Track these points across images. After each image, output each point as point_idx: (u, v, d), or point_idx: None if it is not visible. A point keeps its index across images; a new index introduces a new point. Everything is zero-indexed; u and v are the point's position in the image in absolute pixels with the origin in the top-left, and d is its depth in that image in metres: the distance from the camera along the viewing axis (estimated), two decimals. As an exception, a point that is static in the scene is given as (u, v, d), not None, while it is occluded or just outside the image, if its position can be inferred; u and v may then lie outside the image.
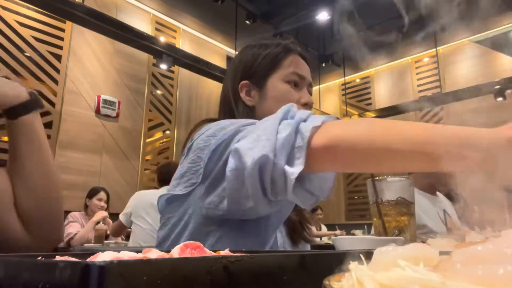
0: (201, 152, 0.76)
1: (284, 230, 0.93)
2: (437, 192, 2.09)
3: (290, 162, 0.62)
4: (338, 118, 0.68)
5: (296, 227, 0.95)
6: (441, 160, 0.52)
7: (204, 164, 0.74)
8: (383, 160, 0.59)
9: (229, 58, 6.34)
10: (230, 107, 0.96)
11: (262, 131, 0.64)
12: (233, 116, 0.93)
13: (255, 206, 0.67)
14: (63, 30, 4.58)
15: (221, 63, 6.11)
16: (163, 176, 3.05)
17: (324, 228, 5.88)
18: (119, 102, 4.93)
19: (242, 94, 0.95)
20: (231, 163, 0.66)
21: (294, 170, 0.61)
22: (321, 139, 0.61)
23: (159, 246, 0.83)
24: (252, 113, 0.93)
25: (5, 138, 4.22)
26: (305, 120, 0.65)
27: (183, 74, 5.66)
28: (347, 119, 0.77)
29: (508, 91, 5.35)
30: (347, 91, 7.67)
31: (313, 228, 5.65)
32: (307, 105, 0.94)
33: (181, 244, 0.40)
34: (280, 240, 0.88)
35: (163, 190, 2.97)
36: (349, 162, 0.63)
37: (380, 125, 0.61)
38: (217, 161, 0.72)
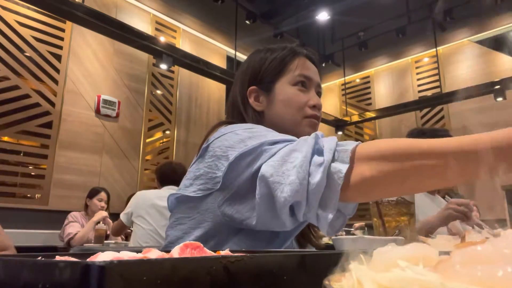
0: (218, 161, 0.76)
1: None
2: (436, 194, 2.09)
3: (323, 206, 0.64)
4: (357, 140, 0.69)
5: (305, 231, 0.95)
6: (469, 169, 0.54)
7: (223, 174, 0.74)
8: (417, 185, 0.61)
9: (229, 58, 6.34)
10: (239, 112, 0.97)
11: (291, 166, 0.65)
12: (243, 120, 0.94)
13: (284, 227, 0.70)
14: (63, 30, 4.57)
15: (221, 63, 6.11)
16: (165, 177, 3.04)
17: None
18: (119, 102, 4.93)
19: (251, 100, 0.96)
20: (261, 190, 0.67)
21: (327, 215, 0.63)
22: (354, 186, 0.62)
23: (169, 245, 0.84)
24: (261, 118, 0.95)
25: (5, 138, 4.21)
26: (334, 158, 0.65)
27: (183, 74, 5.66)
28: (374, 146, 0.71)
29: None
30: (347, 91, 7.67)
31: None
32: (316, 107, 0.94)
33: (181, 244, 0.40)
34: (288, 243, 0.88)
35: (166, 190, 2.97)
36: (381, 196, 0.65)
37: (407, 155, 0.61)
38: (237, 176, 0.73)
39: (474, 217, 1.57)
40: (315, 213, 0.64)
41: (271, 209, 0.67)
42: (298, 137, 0.91)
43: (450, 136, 2.02)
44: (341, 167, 0.62)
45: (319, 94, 1.00)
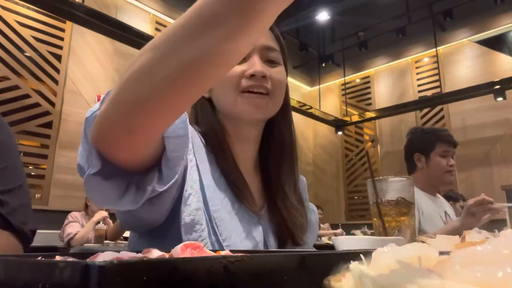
0: None
1: (272, 233, 0.84)
2: (437, 194, 2.08)
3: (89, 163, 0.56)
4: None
5: (282, 230, 0.83)
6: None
7: None
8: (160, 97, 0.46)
9: (229, 58, 6.34)
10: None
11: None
12: (195, 110, 0.87)
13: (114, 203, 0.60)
14: (63, 30, 4.58)
15: (221, 63, 6.11)
16: None
17: (325, 227, 5.87)
18: (119, 102, 4.93)
19: None
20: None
21: (88, 173, 0.55)
22: (94, 126, 0.55)
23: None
24: (211, 106, 0.84)
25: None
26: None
27: (183, 74, 5.66)
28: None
29: None
30: (347, 91, 7.67)
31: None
32: (254, 77, 0.76)
33: (181, 244, 0.40)
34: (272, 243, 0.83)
35: None
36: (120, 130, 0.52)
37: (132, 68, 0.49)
38: None
39: (497, 205, 1.58)
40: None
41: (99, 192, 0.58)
42: (241, 120, 0.79)
43: (451, 136, 2.01)
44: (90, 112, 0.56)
45: (272, 61, 0.80)
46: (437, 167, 1.95)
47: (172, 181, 0.61)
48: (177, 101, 0.48)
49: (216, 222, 0.73)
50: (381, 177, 0.85)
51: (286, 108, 0.87)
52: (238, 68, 0.77)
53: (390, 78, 7.22)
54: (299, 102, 6.63)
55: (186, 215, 0.69)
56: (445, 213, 2.01)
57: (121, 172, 0.58)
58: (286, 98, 0.87)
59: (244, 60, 0.78)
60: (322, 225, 5.80)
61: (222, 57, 0.43)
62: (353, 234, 4.55)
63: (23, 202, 0.74)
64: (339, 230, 5.61)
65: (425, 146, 1.99)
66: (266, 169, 0.89)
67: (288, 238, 0.84)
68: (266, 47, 0.80)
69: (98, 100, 0.60)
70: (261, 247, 0.79)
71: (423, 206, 1.89)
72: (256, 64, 0.77)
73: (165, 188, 0.61)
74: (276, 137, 0.88)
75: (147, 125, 0.52)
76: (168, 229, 0.71)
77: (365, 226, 5.21)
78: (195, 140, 0.77)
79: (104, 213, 3.50)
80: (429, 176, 1.99)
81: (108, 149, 0.56)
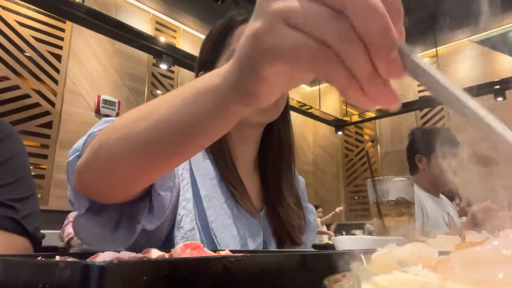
0: None
1: (271, 236, 0.84)
2: (440, 194, 2.04)
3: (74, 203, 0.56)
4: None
5: (280, 232, 0.83)
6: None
7: None
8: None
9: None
10: None
11: None
12: None
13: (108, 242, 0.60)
14: (63, 30, 4.57)
15: (221, 63, 6.11)
16: None
17: (324, 228, 5.87)
18: (119, 102, 4.93)
19: None
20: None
21: (77, 214, 0.56)
22: (76, 173, 0.54)
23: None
24: None
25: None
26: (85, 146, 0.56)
27: (183, 74, 5.66)
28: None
29: None
30: (347, 91, 7.66)
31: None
32: None
33: (181, 244, 0.40)
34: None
35: None
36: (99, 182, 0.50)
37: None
38: None
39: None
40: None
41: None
42: (244, 121, 0.78)
43: (453, 136, 1.97)
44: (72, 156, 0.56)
45: None
46: (438, 168, 1.91)
47: (163, 218, 0.62)
48: (168, 163, 0.47)
49: (215, 233, 0.73)
50: (381, 177, 0.85)
51: (285, 111, 0.88)
52: None
53: (390, 78, 7.21)
54: (299, 102, 6.62)
55: (179, 239, 0.70)
56: (448, 214, 1.99)
57: (111, 205, 0.57)
58: (286, 101, 0.88)
59: None
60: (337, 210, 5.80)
61: (214, 127, 0.41)
62: (353, 234, 4.55)
63: (35, 209, 0.79)
64: (332, 228, 5.64)
65: (426, 147, 1.95)
66: (265, 171, 0.89)
67: (286, 240, 0.84)
68: None
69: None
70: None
71: (427, 208, 1.87)
72: None
73: (156, 225, 0.62)
74: (275, 138, 0.89)
75: (132, 184, 0.50)
76: (164, 247, 0.71)
77: (367, 225, 5.20)
78: None
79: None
80: (431, 177, 1.95)
81: (93, 196, 0.55)
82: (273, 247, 0.83)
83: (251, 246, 0.77)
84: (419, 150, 1.98)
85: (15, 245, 0.75)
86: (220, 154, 0.81)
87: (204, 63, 0.85)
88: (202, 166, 0.79)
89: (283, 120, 0.89)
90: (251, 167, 0.89)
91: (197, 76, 0.86)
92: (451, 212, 2.04)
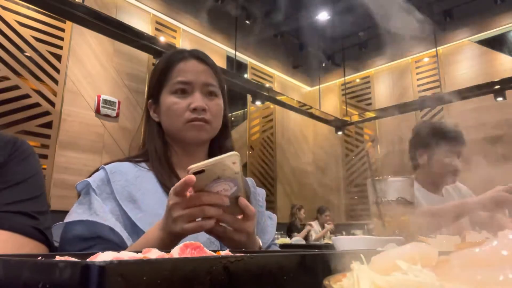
0: None
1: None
2: (446, 187, 1.95)
3: None
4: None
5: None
6: None
7: None
8: None
9: (229, 58, 6.34)
10: (145, 123, 1.03)
11: None
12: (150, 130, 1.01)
13: None
14: (63, 30, 4.57)
15: (221, 63, 6.11)
16: None
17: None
18: (119, 102, 4.93)
19: (151, 112, 1.00)
20: None
21: None
22: None
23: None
24: (160, 128, 0.98)
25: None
26: None
27: (183, 74, 5.66)
28: None
29: None
30: (347, 91, 7.67)
31: (314, 229, 5.65)
32: (196, 110, 0.90)
33: (181, 244, 0.40)
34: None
35: None
36: None
37: None
38: None
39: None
40: None
41: None
42: (185, 141, 0.94)
43: (460, 133, 1.88)
44: None
45: (211, 93, 0.95)
46: (439, 165, 1.84)
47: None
48: None
49: None
50: (381, 177, 0.85)
51: (225, 128, 1.01)
52: (183, 103, 0.91)
53: (390, 78, 7.22)
54: (299, 102, 6.62)
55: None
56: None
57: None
58: (225, 120, 1.01)
59: (188, 94, 0.93)
60: (326, 225, 5.79)
61: None
62: (354, 234, 4.55)
63: (50, 223, 0.86)
64: (313, 222, 5.67)
65: (428, 142, 1.87)
66: None
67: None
68: (206, 84, 0.95)
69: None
70: (216, 243, 0.82)
71: (423, 204, 1.84)
72: (197, 99, 0.91)
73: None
74: (218, 151, 0.96)
75: None
76: None
77: (365, 227, 5.20)
78: (116, 187, 0.89)
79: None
80: (431, 174, 1.89)
81: None
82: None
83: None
84: (421, 146, 1.89)
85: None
86: (159, 164, 0.93)
87: (151, 94, 0.99)
88: (134, 187, 0.89)
89: (224, 136, 1.01)
90: None
91: (147, 102, 1.01)
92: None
